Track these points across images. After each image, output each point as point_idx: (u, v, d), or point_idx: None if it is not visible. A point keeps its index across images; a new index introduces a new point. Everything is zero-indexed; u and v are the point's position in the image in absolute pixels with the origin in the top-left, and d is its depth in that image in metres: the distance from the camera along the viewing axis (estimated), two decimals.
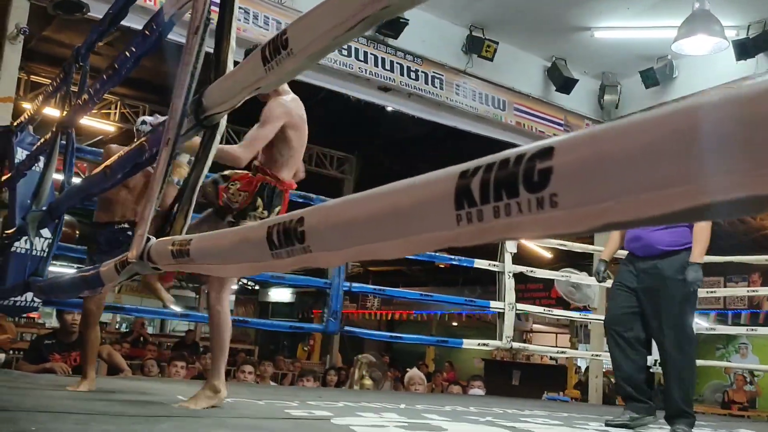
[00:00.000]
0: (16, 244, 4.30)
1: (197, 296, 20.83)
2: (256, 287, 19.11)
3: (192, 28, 1.60)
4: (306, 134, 3.19)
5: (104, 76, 2.38)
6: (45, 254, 3.04)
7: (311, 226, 0.87)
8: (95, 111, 9.79)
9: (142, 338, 11.11)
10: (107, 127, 10.53)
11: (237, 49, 1.55)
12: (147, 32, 2.00)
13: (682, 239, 3.78)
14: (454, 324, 16.48)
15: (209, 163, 1.53)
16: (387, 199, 0.74)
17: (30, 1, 5.12)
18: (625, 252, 4.08)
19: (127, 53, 2.14)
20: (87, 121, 9.72)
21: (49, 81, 9.78)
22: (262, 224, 1.00)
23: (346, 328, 5.21)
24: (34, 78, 9.71)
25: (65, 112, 2.93)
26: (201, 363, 7.84)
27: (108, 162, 2.26)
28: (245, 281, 16.70)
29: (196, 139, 1.81)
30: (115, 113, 10.47)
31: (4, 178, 4.28)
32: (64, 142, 3.05)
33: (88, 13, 5.16)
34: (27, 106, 6.59)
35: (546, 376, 10.90)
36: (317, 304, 18.57)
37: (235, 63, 1.58)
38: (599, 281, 4.24)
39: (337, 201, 0.88)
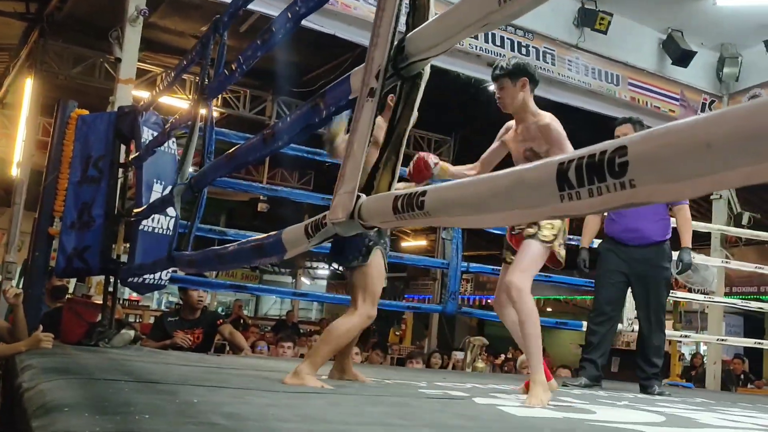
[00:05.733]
0: (144, 222, 4.36)
1: (293, 280, 21.13)
2: None
3: None
4: None
5: (258, 41, 2.30)
6: (172, 231, 3.01)
7: (636, 156, 0.73)
8: None
9: (242, 321, 11.16)
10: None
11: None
12: None
13: (666, 231, 4.40)
14: (549, 309, 16.15)
15: (415, 115, 1.42)
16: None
17: None
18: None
19: (297, 7, 2.02)
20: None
21: (158, 68, 9.99)
22: (546, 163, 0.88)
23: (464, 309, 5.09)
24: (139, 65, 9.93)
25: (205, 84, 2.89)
26: (307, 345, 7.87)
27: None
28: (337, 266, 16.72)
29: None
30: (218, 98, 10.61)
31: (131, 156, 4.33)
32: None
33: None
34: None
35: None
36: (408, 289, 18.56)
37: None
38: (584, 269, 4.61)
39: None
